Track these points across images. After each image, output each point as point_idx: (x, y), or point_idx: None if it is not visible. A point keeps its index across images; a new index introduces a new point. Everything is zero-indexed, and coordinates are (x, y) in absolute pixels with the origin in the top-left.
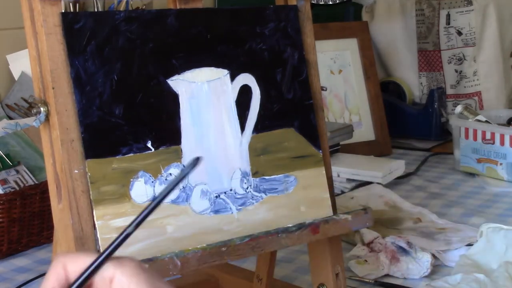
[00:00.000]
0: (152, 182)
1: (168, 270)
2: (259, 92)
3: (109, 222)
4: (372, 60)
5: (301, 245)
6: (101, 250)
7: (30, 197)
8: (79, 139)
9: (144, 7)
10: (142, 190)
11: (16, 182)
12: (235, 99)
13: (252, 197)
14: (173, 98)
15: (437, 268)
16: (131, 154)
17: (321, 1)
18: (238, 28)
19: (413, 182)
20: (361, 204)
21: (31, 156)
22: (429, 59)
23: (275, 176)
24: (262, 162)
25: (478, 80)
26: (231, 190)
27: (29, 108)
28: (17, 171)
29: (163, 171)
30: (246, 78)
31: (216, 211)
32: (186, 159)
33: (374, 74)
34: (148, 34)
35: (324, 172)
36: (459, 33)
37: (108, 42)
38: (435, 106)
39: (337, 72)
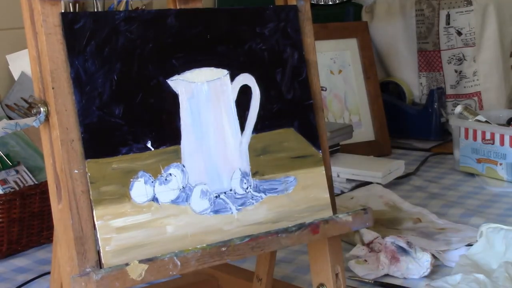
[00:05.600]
0: (152, 182)
1: (168, 270)
2: (259, 92)
3: (109, 222)
4: (372, 60)
5: (301, 245)
6: (101, 249)
7: (30, 197)
8: (79, 139)
9: (144, 7)
10: (142, 190)
11: (16, 182)
12: (235, 99)
13: (252, 197)
14: (173, 98)
15: (437, 268)
16: (131, 154)
17: (321, 1)
18: (238, 28)
19: (413, 182)
20: (361, 204)
21: (31, 156)
22: (429, 59)
23: (275, 176)
24: (262, 162)
25: (478, 80)
26: (231, 190)
27: (29, 108)
28: (17, 171)
29: (163, 171)
30: (246, 78)
31: (216, 211)
32: (186, 159)
33: (374, 74)
34: (148, 34)
35: (324, 172)
36: (459, 33)
37: (108, 42)
38: (435, 106)
39: (337, 72)
